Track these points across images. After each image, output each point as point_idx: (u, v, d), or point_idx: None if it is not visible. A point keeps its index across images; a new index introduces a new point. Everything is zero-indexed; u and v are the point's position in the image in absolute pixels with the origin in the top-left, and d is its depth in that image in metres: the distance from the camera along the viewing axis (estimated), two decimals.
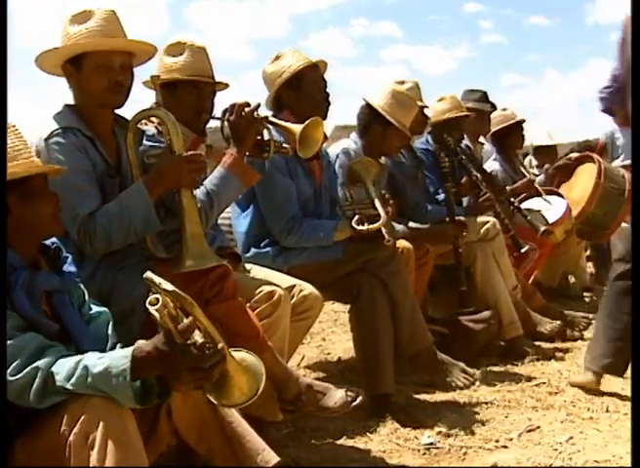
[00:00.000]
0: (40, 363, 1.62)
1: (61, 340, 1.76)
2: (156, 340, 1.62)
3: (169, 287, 1.61)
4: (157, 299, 1.58)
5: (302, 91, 3.08)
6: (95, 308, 1.99)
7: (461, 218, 3.79)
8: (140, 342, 1.64)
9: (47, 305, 1.83)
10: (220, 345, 1.66)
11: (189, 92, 2.65)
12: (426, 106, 4.19)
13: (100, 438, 1.57)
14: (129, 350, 1.62)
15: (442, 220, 3.79)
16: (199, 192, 2.47)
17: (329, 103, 3.15)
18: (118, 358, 1.61)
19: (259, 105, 2.59)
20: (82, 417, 1.58)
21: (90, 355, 1.64)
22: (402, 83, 3.96)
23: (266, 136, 2.63)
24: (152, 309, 1.58)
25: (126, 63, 2.33)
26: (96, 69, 2.29)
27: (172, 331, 1.60)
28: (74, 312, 1.89)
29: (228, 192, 2.55)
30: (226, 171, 2.53)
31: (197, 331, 1.65)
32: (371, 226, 3.02)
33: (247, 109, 2.55)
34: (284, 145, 2.64)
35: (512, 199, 4.46)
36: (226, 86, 2.82)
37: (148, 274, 1.62)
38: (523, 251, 4.16)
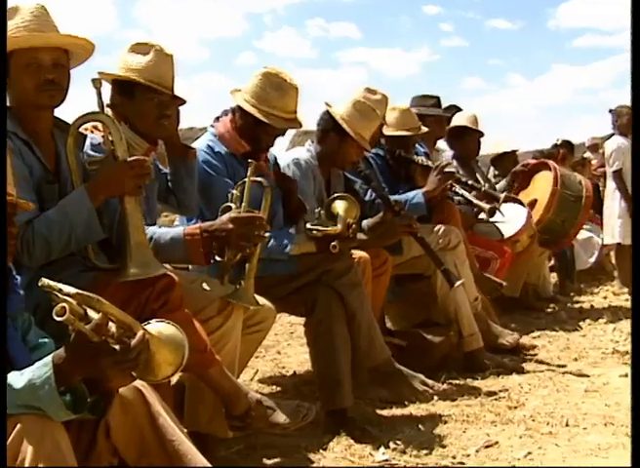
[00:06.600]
0: None
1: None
2: (71, 344, 1.58)
3: (70, 289, 1.58)
4: (64, 308, 1.53)
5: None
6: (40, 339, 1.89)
7: (399, 202, 3.64)
8: (59, 350, 1.59)
9: None
10: (139, 333, 1.63)
11: (149, 97, 2.50)
12: (385, 123, 3.97)
13: (31, 456, 1.51)
14: (48, 358, 1.57)
15: (383, 220, 3.54)
16: (150, 229, 2.42)
17: None
18: (39, 368, 1.56)
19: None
20: (11, 436, 1.53)
21: (11, 374, 1.57)
22: (374, 93, 3.68)
23: None
24: (62, 319, 1.53)
25: (59, 61, 2.21)
26: (24, 68, 2.16)
27: (84, 333, 1.56)
28: (16, 337, 1.81)
29: (169, 252, 2.49)
30: (184, 238, 2.48)
31: (111, 324, 1.61)
32: (325, 229, 2.97)
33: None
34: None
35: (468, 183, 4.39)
36: (183, 102, 2.66)
37: (44, 280, 1.59)
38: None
